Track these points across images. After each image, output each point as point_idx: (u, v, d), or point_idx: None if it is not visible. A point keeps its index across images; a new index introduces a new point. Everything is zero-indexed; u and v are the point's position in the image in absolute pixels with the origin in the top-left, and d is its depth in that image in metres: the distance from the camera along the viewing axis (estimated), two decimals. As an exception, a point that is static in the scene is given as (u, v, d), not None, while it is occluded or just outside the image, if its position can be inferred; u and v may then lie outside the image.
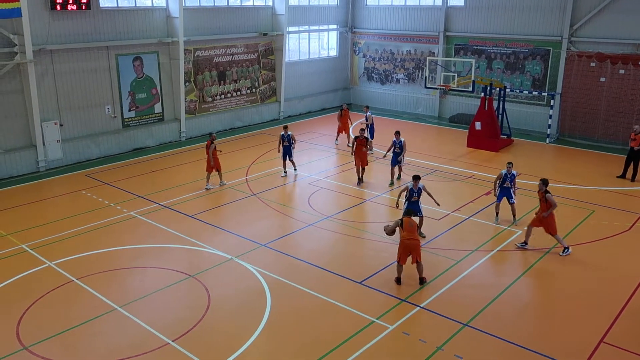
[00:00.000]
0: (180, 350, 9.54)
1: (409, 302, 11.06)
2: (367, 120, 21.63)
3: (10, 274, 12.19)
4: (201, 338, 9.91)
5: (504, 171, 14.58)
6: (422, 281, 11.65)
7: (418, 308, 10.86)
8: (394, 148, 17.71)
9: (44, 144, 19.45)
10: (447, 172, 19.35)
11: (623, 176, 18.72)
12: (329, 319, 10.56)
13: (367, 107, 22.44)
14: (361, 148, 17.69)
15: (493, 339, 9.91)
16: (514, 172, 14.63)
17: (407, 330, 10.12)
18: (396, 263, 11.67)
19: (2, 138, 18.74)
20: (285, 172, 19.05)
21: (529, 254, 13.15)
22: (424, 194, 13.73)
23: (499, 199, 14.75)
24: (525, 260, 12.89)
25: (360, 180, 17.98)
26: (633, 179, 18.43)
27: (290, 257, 13.06)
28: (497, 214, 14.91)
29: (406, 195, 13.75)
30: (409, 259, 11.49)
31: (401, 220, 11.63)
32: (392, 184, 17.96)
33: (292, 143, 18.87)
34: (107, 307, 10.88)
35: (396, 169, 18.14)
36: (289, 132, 18.96)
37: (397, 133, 17.78)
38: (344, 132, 22.92)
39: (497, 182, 14.62)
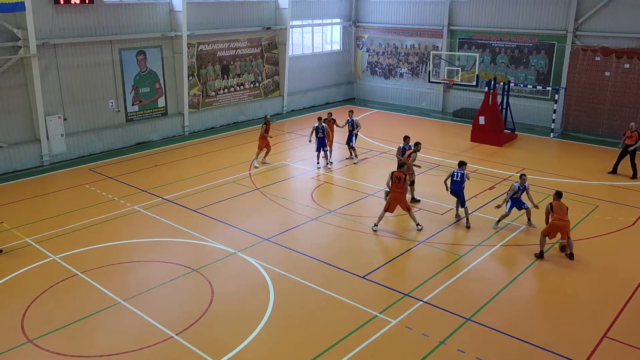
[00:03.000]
0: (183, 343, 9.58)
1: (412, 297, 11.07)
2: (354, 127, 19.36)
3: (14, 267, 12.25)
4: (204, 332, 9.94)
5: (516, 184, 13.88)
6: (571, 256, 12.62)
7: (421, 302, 10.87)
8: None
9: (47, 138, 19.49)
10: (451, 166, 19.27)
11: (614, 172, 18.48)
12: (332, 313, 10.58)
13: (352, 111, 20.16)
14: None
15: (496, 334, 9.92)
16: (526, 184, 13.86)
17: (410, 325, 10.13)
18: (540, 235, 12.70)
19: (6, 132, 18.78)
20: (318, 162, 19.06)
21: (532, 249, 13.11)
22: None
23: (509, 209, 14.02)
24: (529, 255, 12.86)
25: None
26: (635, 176, 18.21)
27: (293, 252, 13.08)
28: (499, 221, 14.29)
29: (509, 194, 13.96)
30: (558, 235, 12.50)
31: (551, 204, 12.63)
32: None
33: (327, 134, 18.75)
34: (110, 300, 10.93)
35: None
36: (324, 124, 18.79)
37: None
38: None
39: (509, 194, 13.96)
